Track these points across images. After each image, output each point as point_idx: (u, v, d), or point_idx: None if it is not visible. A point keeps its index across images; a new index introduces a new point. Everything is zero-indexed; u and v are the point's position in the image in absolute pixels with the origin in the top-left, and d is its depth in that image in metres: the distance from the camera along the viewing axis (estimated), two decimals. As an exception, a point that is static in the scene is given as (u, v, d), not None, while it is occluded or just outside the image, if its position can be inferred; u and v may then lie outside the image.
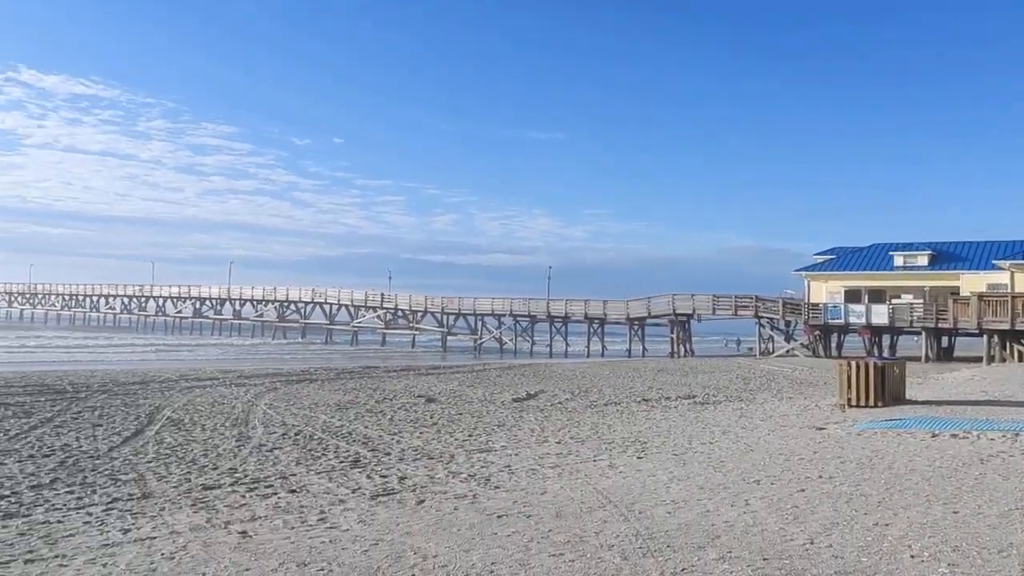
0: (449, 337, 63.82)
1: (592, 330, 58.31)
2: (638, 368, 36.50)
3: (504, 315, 62.54)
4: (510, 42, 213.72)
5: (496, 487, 9.69)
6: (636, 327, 56.56)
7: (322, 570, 6.13)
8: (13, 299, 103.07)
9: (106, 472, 10.73)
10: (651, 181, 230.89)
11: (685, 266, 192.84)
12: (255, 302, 78.45)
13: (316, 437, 14.09)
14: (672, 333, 53.95)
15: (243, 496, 9.38)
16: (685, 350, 52.53)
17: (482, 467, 11.26)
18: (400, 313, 67.58)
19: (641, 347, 55.97)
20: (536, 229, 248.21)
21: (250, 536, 7.44)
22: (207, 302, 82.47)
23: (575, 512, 7.84)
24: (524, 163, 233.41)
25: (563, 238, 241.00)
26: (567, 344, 59.40)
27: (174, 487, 9.87)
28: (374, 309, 68.81)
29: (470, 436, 14.62)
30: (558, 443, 13.58)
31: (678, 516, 7.45)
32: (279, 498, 9.28)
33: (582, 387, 25.61)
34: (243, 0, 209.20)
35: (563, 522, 7.42)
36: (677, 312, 52.95)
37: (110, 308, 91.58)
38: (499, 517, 7.81)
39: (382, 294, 68.91)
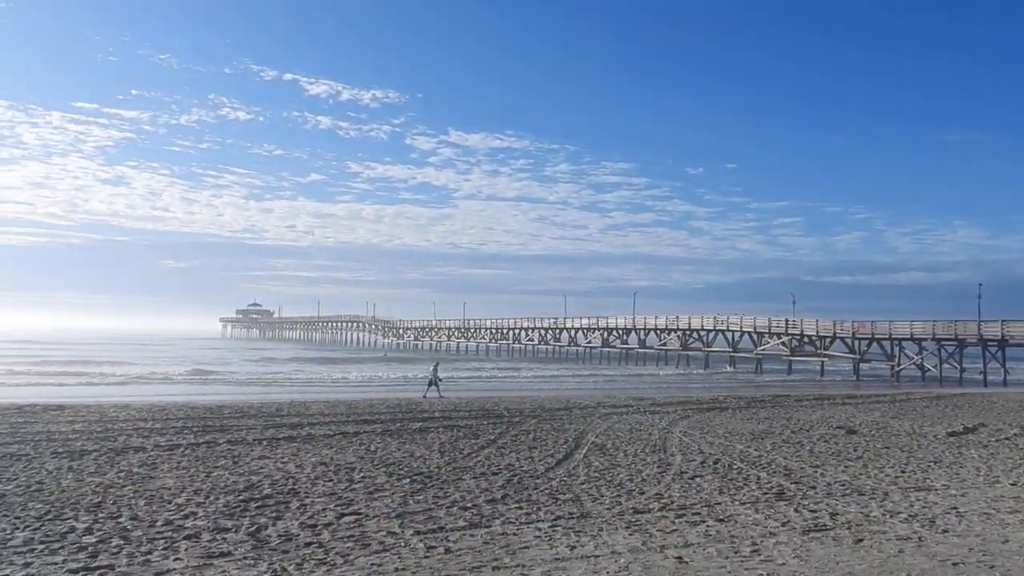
0: (862, 364, 59.57)
1: (1039, 355, 50.53)
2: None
3: (925, 339, 56.77)
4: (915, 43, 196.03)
5: (944, 531, 8.83)
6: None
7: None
8: (451, 334, 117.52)
9: (546, 491, 11.72)
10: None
11: None
12: (658, 331, 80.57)
13: (735, 467, 14.02)
14: None
15: (673, 522, 9.65)
16: None
17: (922, 507, 10.33)
18: (806, 339, 64.67)
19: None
20: (956, 242, 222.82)
21: (686, 562, 7.63)
22: (614, 332, 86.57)
23: (1051, 566, 6.85)
24: (937, 170, 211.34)
25: (991, 251, 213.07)
26: (1005, 371, 52.17)
27: (607, 508, 10.47)
28: (778, 335, 66.72)
29: (903, 472, 13.49)
30: (1013, 484, 11.97)
31: None
32: (708, 526, 9.39)
33: (1034, 421, 22.29)
34: (626, 44, 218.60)
35: (1038, 576, 6.53)
36: None
37: (529, 340, 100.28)
38: (954, 565, 7.11)
39: (786, 320, 66.57)
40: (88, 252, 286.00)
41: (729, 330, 71.91)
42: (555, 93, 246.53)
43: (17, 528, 8.98)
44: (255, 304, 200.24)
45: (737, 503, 10.82)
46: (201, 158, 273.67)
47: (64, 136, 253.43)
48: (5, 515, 9.59)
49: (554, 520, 9.76)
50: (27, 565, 7.56)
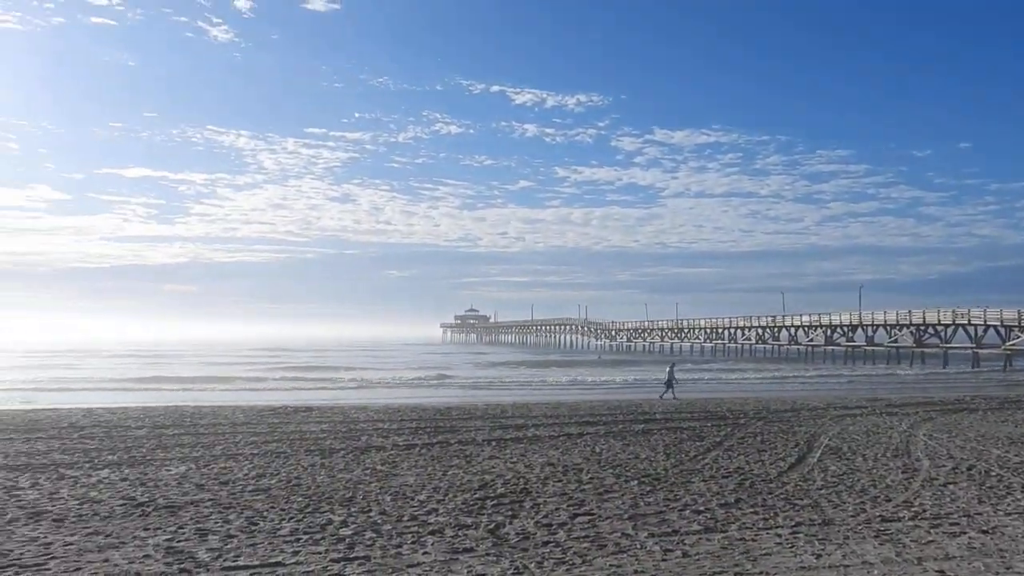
0: None
1: None
2: None
3: None
4: None
5: None
6: None
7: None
8: (664, 334, 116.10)
9: (781, 496, 11.26)
10: None
11: None
12: (888, 327, 75.29)
13: (993, 473, 12.81)
14: None
15: (928, 532, 8.96)
16: None
17: None
18: (1067, 332, 57.96)
19: None
20: None
21: (950, 576, 7.05)
22: (838, 329, 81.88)
23: None
24: None
25: None
26: None
27: (851, 516, 9.89)
28: (1031, 329, 60.24)
29: None
30: None
31: None
32: (970, 538, 8.64)
33: None
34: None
35: None
36: None
37: (746, 339, 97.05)
38: None
39: (1041, 311, 59.99)
40: (322, 265, 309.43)
41: (971, 324, 65.85)
42: (761, 84, 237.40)
43: (283, 519, 9.84)
44: (472, 310, 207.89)
45: (1001, 513, 9.88)
46: (418, 172, 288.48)
47: (298, 160, 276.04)
48: (272, 507, 10.55)
49: (794, 526, 9.35)
50: (296, 553, 8.26)
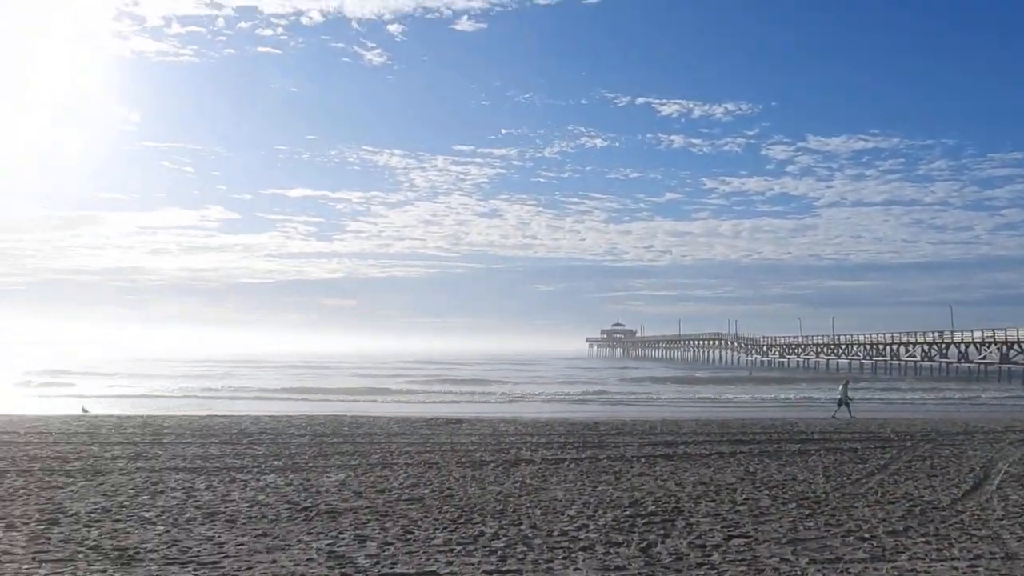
0: None
1: None
2: None
3: None
4: None
5: None
6: None
7: None
8: (819, 350, 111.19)
9: (956, 525, 10.50)
10: None
11: None
12: (1076, 344, 69.03)
13: None
14: None
15: None
16: None
17: None
18: None
19: None
20: None
21: None
22: (1015, 346, 75.82)
23: None
24: None
25: None
26: None
27: (1039, 551, 9.09)
28: None
29: None
30: None
31: None
32: None
33: None
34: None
35: None
36: None
37: (910, 356, 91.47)
38: None
39: None
40: (471, 280, 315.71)
41: None
42: (922, 87, 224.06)
43: (437, 529, 10.06)
44: (618, 324, 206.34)
45: None
46: (563, 187, 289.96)
47: (447, 177, 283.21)
48: (426, 516, 10.81)
49: (972, 559, 8.69)
50: (449, 563, 8.41)
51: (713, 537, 9.69)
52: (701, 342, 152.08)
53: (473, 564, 8.38)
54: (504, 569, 8.19)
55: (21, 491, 12.48)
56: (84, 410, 31.28)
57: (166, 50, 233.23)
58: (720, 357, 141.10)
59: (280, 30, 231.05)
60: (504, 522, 10.49)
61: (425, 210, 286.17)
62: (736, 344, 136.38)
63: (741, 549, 9.09)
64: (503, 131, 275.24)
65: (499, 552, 8.88)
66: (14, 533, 9.60)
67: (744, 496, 12.48)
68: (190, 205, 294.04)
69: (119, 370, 78.62)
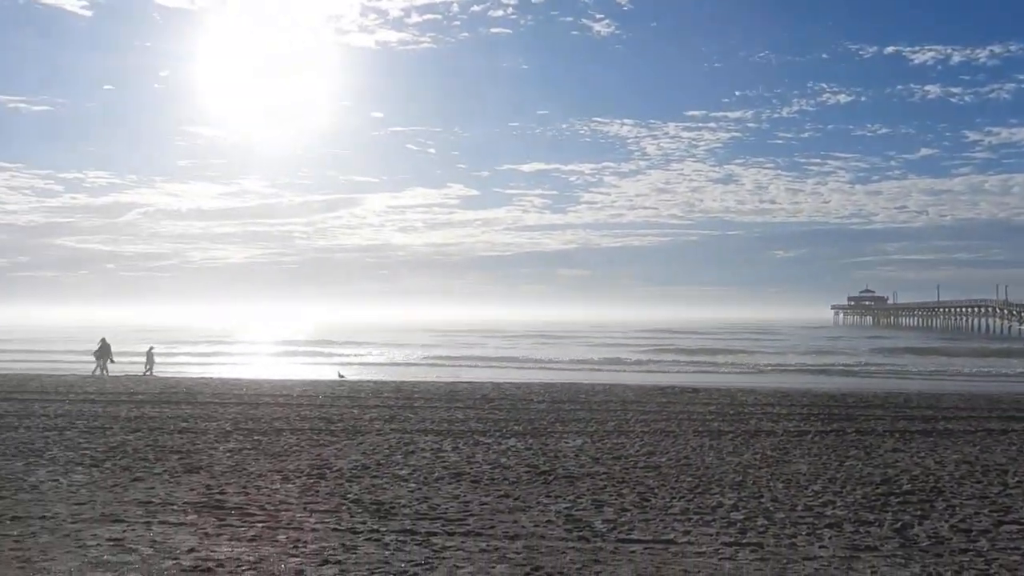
0: None
1: None
2: None
3: None
4: None
5: None
6: None
7: None
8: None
9: None
10: None
11: None
12: None
13: None
14: None
15: None
16: None
17: None
18: None
19: None
20: None
21: None
22: None
23: None
24: None
25: None
26: None
27: None
28: None
29: None
30: None
31: None
32: None
33: None
34: None
35: None
36: None
37: None
38: None
39: None
40: (705, 248, 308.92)
41: None
42: None
43: (674, 498, 9.97)
44: (867, 291, 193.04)
45: None
46: (803, 148, 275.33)
47: (679, 143, 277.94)
48: (662, 485, 10.75)
49: None
50: (687, 532, 8.32)
51: (980, 521, 8.84)
52: (964, 310, 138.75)
53: (711, 535, 8.23)
54: (744, 542, 7.97)
55: (294, 448, 13.87)
56: (340, 376, 34.17)
57: (407, 39, 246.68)
58: (987, 326, 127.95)
59: (511, 9, 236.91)
60: (743, 494, 10.21)
61: (657, 178, 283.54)
62: (1007, 312, 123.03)
63: (1015, 536, 8.22)
64: (737, 93, 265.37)
65: (738, 524, 8.66)
66: (289, 485, 10.69)
67: (1017, 479, 11.27)
68: (433, 184, 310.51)
69: (372, 339, 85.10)
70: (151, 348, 38.20)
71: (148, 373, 35.10)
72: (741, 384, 30.11)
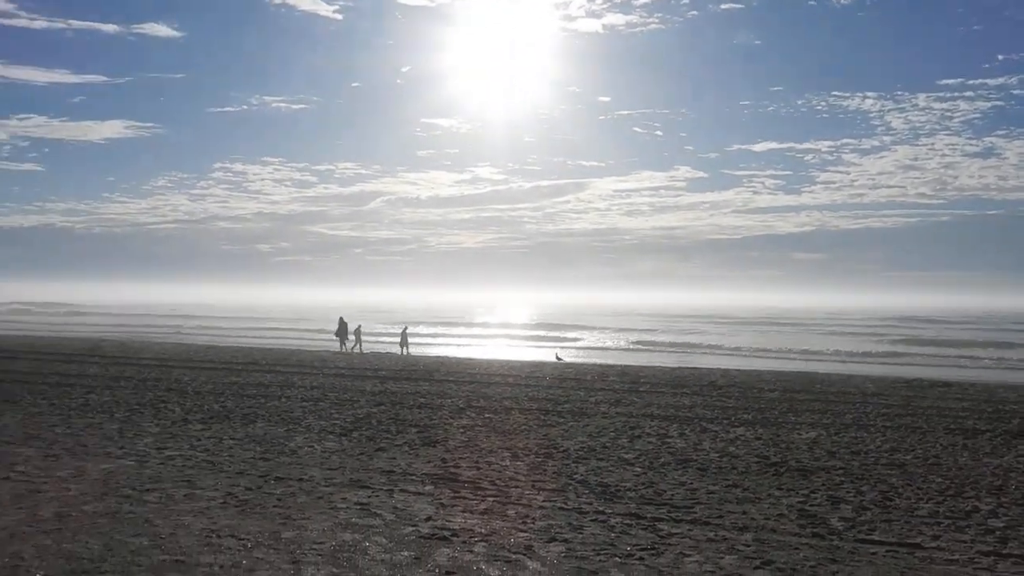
0: None
1: None
2: None
3: None
4: None
5: None
6: None
7: None
8: None
9: None
10: None
11: None
12: None
13: None
14: None
15: None
16: None
17: None
18: None
19: None
20: None
21: None
22: None
23: None
24: None
25: None
26: None
27: None
28: None
29: None
30: None
31: None
32: None
33: None
34: None
35: None
36: None
37: None
38: None
39: None
40: (959, 228, 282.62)
41: None
42: None
43: (920, 499, 9.23)
44: None
45: None
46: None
47: (930, 116, 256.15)
48: (908, 484, 9.99)
49: None
50: (936, 537, 7.67)
51: None
52: None
53: (964, 542, 7.54)
54: (1004, 552, 7.23)
55: (523, 427, 14.30)
56: (558, 358, 34.72)
57: (634, 21, 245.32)
58: None
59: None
60: (1004, 499, 9.25)
61: (904, 154, 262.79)
62: None
63: None
64: (1000, 57, 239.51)
65: (997, 532, 7.86)
66: (518, 462, 11.04)
67: None
68: (660, 167, 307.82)
69: (597, 323, 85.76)
70: (359, 326, 40.52)
71: (355, 349, 37.41)
72: (1002, 380, 27.31)
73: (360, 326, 40.71)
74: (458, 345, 48.86)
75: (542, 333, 65.43)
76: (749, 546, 7.27)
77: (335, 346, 38.40)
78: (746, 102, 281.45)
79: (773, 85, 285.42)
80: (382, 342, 39.17)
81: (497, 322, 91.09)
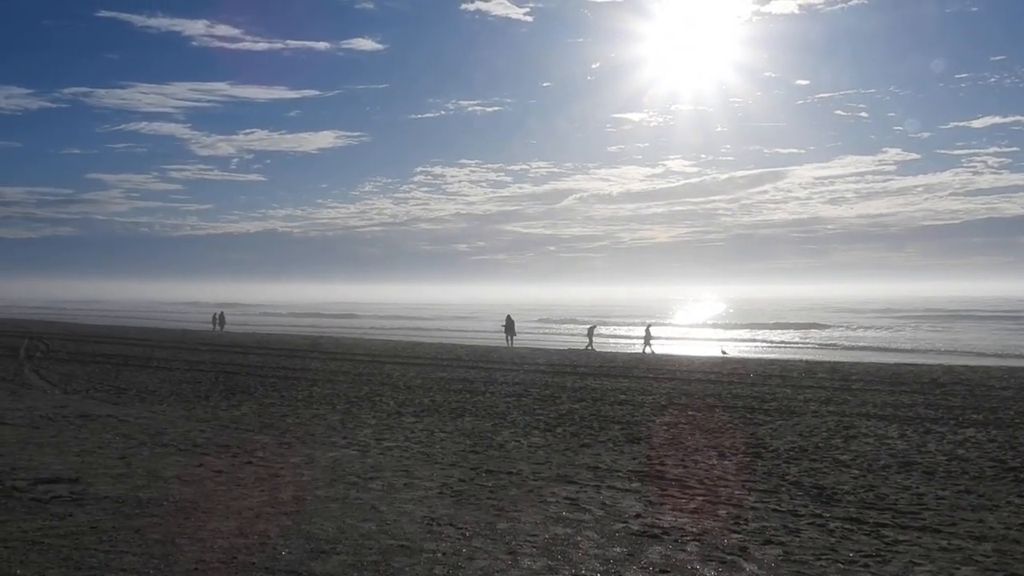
0: None
1: None
2: None
3: None
4: None
5: None
6: None
7: None
8: None
9: None
10: None
11: None
12: None
13: None
14: None
15: None
16: None
17: None
18: None
19: None
20: None
21: None
22: None
23: None
24: None
25: None
26: None
27: None
28: None
29: None
30: None
31: None
32: None
33: None
34: None
35: None
36: None
37: None
38: None
39: None
40: None
41: None
42: None
43: None
44: None
45: None
46: None
47: None
48: None
49: None
50: None
51: None
52: None
53: None
54: None
55: (728, 425, 13.94)
56: (723, 352, 33.49)
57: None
58: None
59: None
60: None
61: None
62: None
63: None
64: None
65: None
66: (726, 462, 10.78)
67: None
68: (865, 151, 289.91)
69: (788, 319, 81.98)
70: (593, 326, 41.03)
71: (587, 348, 37.90)
72: None
73: (594, 326, 41.38)
74: (655, 340, 48.37)
75: (743, 333, 63.42)
76: (989, 557, 6.70)
77: (521, 342, 39.23)
78: (963, 75, 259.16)
79: (994, 54, 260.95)
80: (609, 341, 39.53)
81: (692, 318, 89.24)
